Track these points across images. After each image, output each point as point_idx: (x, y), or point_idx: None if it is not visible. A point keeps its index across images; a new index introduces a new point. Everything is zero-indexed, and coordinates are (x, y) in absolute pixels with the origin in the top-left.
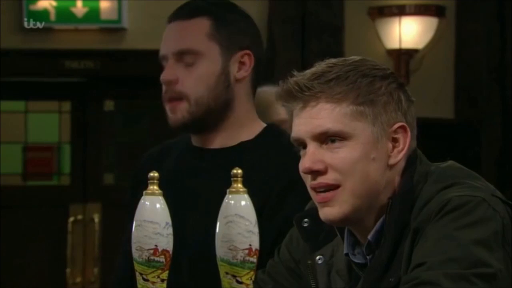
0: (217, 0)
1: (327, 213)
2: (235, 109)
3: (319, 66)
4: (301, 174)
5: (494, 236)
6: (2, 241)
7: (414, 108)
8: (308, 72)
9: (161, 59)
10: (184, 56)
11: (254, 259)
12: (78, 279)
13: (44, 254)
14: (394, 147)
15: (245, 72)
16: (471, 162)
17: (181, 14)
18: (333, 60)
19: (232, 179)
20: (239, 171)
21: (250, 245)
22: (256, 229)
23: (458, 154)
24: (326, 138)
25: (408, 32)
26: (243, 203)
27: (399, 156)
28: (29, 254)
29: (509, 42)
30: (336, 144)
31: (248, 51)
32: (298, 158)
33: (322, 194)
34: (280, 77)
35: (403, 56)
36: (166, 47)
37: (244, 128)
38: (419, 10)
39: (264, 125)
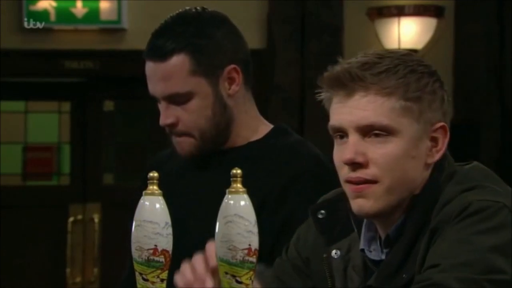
0: (185, 26)
1: (361, 205)
2: (237, 118)
3: (367, 57)
4: (336, 164)
5: None
6: (2, 241)
7: (450, 109)
8: (356, 61)
9: (152, 96)
10: (174, 97)
11: (253, 259)
12: (78, 279)
13: (44, 254)
14: (432, 146)
15: (236, 86)
16: None
17: (157, 54)
18: (380, 52)
19: (231, 179)
20: (239, 171)
21: (249, 245)
22: (255, 229)
23: (457, 154)
24: (370, 131)
25: (407, 32)
26: (242, 203)
27: (437, 156)
28: (29, 254)
29: (508, 42)
30: (380, 138)
31: (233, 65)
32: (301, 158)
33: (356, 186)
34: (280, 77)
35: None
36: (153, 89)
37: (251, 130)
38: (418, 11)
39: (272, 126)
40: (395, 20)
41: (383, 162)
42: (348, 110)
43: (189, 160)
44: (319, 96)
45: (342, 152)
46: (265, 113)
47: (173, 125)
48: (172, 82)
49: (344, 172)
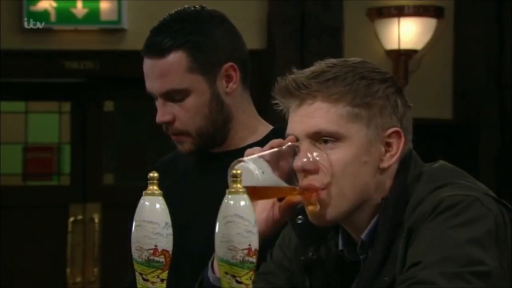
0: (184, 24)
1: (313, 212)
2: (234, 117)
3: (319, 66)
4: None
5: (488, 235)
6: (2, 241)
7: (410, 113)
8: (307, 70)
9: (149, 93)
10: (171, 94)
11: (253, 259)
12: (78, 279)
13: (44, 254)
14: (386, 151)
15: (234, 84)
16: (469, 162)
17: (155, 51)
18: (333, 60)
19: (231, 179)
20: (239, 171)
21: (249, 245)
22: (255, 229)
23: (457, 154)
24: (320, 137)
25: (407, 33)
26: (242, 203)
27: (391, 160)
28: (29, 254)
29: (508, 43)
30: (329, 145)
31: (230, 63)
32: None
33: (308, 193)
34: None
35: (402, 56)
36: (150, 86)
37: (249, 130)
38: (418, 11)
39: (271, 127)
40: (395, 21)
41: (332, 169)
42: (299, 119)
43: (191, 164)
44: (278, 106)
45: (296, 160)
46: (265, 113)
47: (169, 123)
48: (169, 79)
49: (300, 179)
